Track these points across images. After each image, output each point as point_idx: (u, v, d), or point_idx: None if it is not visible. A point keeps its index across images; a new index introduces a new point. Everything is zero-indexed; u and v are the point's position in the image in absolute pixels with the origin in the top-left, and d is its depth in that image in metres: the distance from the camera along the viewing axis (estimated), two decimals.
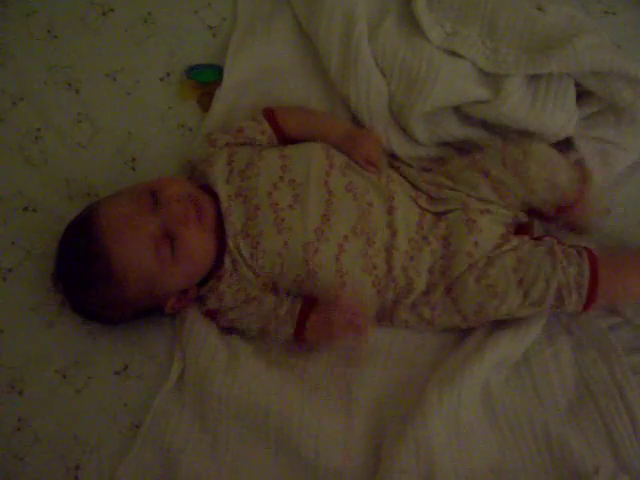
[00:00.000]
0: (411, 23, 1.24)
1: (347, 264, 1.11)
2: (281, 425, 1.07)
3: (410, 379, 1.12)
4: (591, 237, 1.17)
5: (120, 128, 1.31)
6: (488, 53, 1.21)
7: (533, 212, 1.16)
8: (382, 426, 1.08)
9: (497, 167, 1.14)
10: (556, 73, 1.16)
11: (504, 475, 1.05)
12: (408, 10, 1.25)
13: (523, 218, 1.16)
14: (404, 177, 1.20)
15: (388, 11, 1.27)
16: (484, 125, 1.23)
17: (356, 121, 1.25)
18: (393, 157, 1.25)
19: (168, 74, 1.34)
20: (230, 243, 1.11)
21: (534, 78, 1.19)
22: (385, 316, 1.15)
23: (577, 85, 1.19)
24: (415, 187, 1.18)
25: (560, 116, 1.17)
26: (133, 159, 1.30)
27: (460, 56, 1.22)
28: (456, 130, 1.23)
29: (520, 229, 1.16)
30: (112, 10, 1.35)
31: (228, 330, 1.16)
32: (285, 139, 1.22)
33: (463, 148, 1.25)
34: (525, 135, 1.19)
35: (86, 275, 1.08)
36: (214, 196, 1.14)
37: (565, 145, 1.20)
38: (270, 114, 1.23)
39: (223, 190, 1.13)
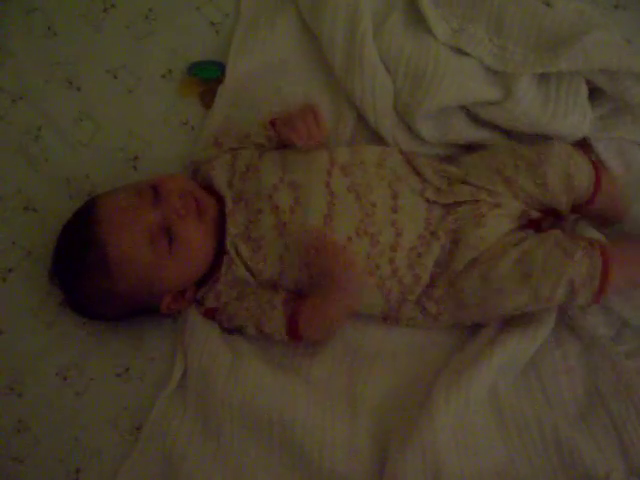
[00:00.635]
0: (417, 19, 1.23)
1: None
2: (285, 428, 1.05)
3: (416, 380, 1.10)
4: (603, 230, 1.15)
5: (121, 126, 1.30)
6: (495, 51, 1.19)
7: (547, 210, 1.14)
8: (388, 428, 1.06)
9: (510, 168, 1.12)
10: (566, 71, 1.15)
11: (512, 478, 1.03)
12: (414, 6, 1.23)
13: (535, 215, 1.13)
14: (412, 167, 1.17)
15: (393, 7, 1.25)
16: (495, 127, 1.21)
17: (361, 118, 1.24)
18: None
19: (170, 71, 1.33)
20: (228, 245, 1.10)
21: (544, 77, 1.17)
22: (390, 315, 1.13)
23: (588, 82, 1.17)
24: (423, 179, 1.16)
25: (573, 117, 1.15)
26: (135, 157, 1.29)
27: (467, 54, 1.20)
28: (466, 132, 1.21)
29: (529, 225, 1.14)
30: (113, 6, 1.34)
31: (230, 331, 1.14)
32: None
33: (471, 147, 1.22)
34: (538, 137, 1.17)
35: (81, 264, 1.08)
36: (216, 198, 1.13)
37: (581, 146, 1.17)
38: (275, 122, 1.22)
39: (227, 193, 1.13)
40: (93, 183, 1.26)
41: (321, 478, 1.04)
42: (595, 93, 1.19)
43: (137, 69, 1.32)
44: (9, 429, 1.10)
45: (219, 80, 1.30)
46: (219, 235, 1.11)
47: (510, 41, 1.19)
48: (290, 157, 1.15)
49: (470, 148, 1.22)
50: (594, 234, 1.12)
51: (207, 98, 1.30)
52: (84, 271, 1.08)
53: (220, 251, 1.11)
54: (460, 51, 1.20)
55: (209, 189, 1.14)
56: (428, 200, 1.13)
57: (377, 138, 1.23)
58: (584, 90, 1.16)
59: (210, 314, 1.13)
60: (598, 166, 1.14)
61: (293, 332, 1.08)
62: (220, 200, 1.13)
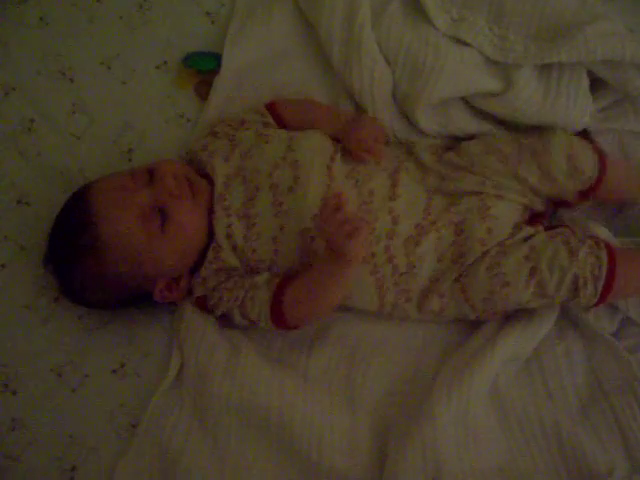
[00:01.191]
0: (416, 9, 1.21)
1: None
2: (283, 424, 1.04)
3: (417, 375, 1.10)
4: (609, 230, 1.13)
5: (116, 118, 1.29)
6: (496, 41, 1.18)
7: (552, 200, 1.13)
8: (388, 424, 1.06)
9: (515, 156, 1.11)
10: (567, 62, 1.14)
11: (514, 475, 1.03)
12: None
13: (540, 206, 1.12)
14: (413, 156, 1.16)
15: None
16: (494, 119, 1.20)
17: (359, 109, 1.22)
18: None
19: (165, 62, 1.31)
20: (217, 226, 1.09)
21: (545, 67, 1.16)
22: (385, 309, 1.12)
23: (589, 73, 1.16)
24: (424, 167, 1.14)
25: (574, 108, 1.14)
26: (129, 150, 1.27)
27: (467, 44, 1.19)
28: (465, 124, 1.20)
29: (534, 218, 1.13)
30: None
31: (227, 325, 1.13)
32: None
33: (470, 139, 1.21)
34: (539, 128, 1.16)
35: (74, 247, 1.07)
36: (211, 183, 1.12)
37: (582, 138, 1.15)
38: (272, 106, 1.22)
39: (220, 170, 1.11)
40: (87, 176, 1.24)
41: (320, 474, 1.03)
42: (596, 85, 1.18)
43: (131, 60, 1.31)
44: (4, 427, 1.09)
45: (215, 71, 1.28)
46: (212, 219, 1.10)
47: (511, 31, 1.18)
48: (296, 137, 1.14)
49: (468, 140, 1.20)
50: (604, 233, 1.11)
51: (203, 90, 1.29)
52: (77, 254, 1.07)
53: (213, 235, 1.10)
54: (460, 41, 1.19)
55: (204, 175, 1.13)
56: (429, 190, 1.12)
57: None
58: (585, 81, 1.16)
59: (201, 303, 1.12)
60: (601, 150, 1.13)
61: (277, 311, 1.05)
62: (215, 182, 1.12)
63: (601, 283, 1.02)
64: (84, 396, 1.11)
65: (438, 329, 1.14)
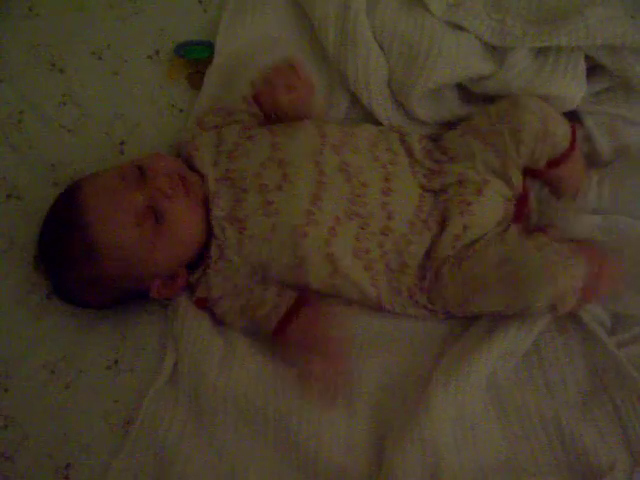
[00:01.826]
0: None
1: (338, 249, 1.06)
2: (280, 421, 1.03)
3: (414, 370, 1.08)
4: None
5: (107, 110, 1.27)
6: (494, 25, 1.16)
7: (525, 172, 1.11)
8: (385, 420, 1.04)
9: (486, 121, 1.11)
10: (565, 46, 1.12)
11: (514, 470, 1.01)
12: None
13: (517, 181, 1.10)
14: (405, 147, 1.15)
15: None
16: (486, 101, 1.18)
17: (355, 99, 1.21)
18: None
19: (157, 52, 1.30)
20: (215, 227, 1.08)
21: (542, 51, 1.14)
22: (386, 305, 1.10)
23: (587, 58, 1.14)
24: (414, 160, 1.13)
25: (569, 84, 1.12)
26: (122, 142, 1.26)
27: (464, 29, 1.17)
28: (458, 107, 1.19)
29: (516, 218, 1.11)
30: None
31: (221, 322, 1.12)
32: (275, 121, 1.17)
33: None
34: None
35: (66, 250, 1.05)
36: (202, 178, 1.10)
37: (571, 119, 1.14)
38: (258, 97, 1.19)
39: (210, 173, 1.10)
40: (79, 169, 1.22)
41: (317, 471, 1.02)
42: (592, 71, 1.16)
43: (122, 50, 1.29)
44: None
45: (208, 61, 1.26)
46: (208, 215, 1.09)
47: (509, 14, 1.16)
48: (280, 134, 1.12)
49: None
50: (584, 230, 1.08)
51: (195, 80, 1.27)
52: (70, 257, 1.05)
53: (209, 232, 1.09)
54: (457, 27, 1.17)
55: (193, 169, 1.12)
56: (421, 185, 1.11)
57: (371, 119, 1.20)
58: (582, 66, 1.14)
59: (202, 304, 1.11)
60: (573, 125, 1.11)
61: (282, 325, 1.05)
62: (206, 180, 1.11)
63: (578, 291, 0.99)
64: (78, 393, 1.10)
65: (434, 324, 1.12)
